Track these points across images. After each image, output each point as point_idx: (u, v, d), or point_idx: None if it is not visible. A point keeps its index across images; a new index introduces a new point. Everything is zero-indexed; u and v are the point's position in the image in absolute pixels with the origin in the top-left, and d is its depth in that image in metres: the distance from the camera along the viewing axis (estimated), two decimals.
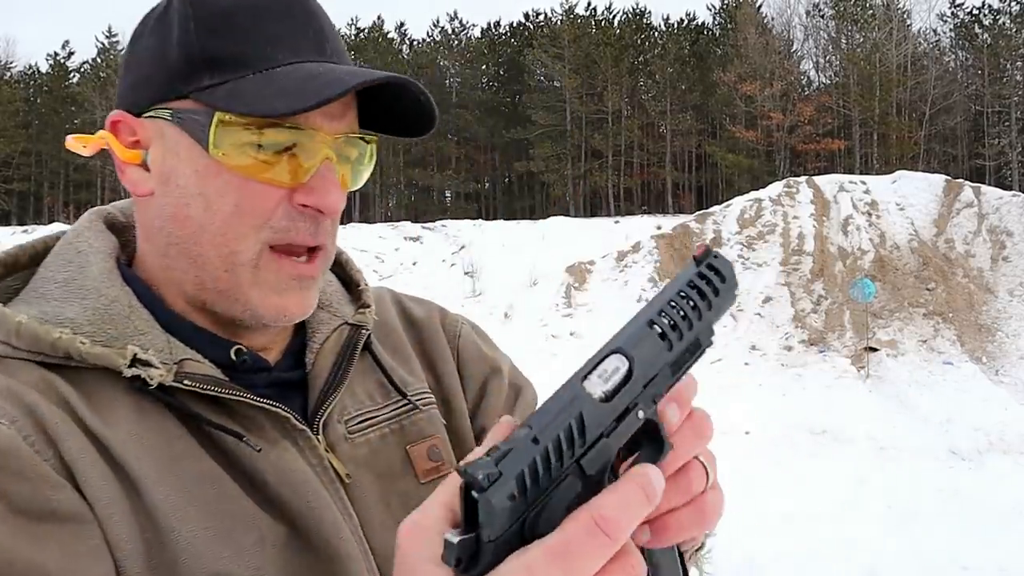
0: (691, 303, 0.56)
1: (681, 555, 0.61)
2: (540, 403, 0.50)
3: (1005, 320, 12.94)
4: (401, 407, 0.85)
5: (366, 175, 0.80)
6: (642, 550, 0.55)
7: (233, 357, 0.76)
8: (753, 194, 17.50)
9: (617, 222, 32.20)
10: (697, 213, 18.06)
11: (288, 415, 0.75)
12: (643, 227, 25.59)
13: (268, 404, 0.73)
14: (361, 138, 0.77)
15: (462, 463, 0.44)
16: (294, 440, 0.75)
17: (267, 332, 0.80)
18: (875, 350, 12.20)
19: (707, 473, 0.58)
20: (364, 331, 0.85)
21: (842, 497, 6.62)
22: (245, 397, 0.73)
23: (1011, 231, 14.70)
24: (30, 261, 0.79)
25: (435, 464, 0.85)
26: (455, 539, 0.44)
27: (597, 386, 0.50)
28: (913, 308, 13.42)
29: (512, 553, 0.44)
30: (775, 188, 17.35)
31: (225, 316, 0.75)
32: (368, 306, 0.88)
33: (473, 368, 0.96)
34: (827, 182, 17.25)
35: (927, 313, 13.25)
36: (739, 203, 17.09)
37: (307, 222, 0.73)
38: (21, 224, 41.57)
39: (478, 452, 0.48)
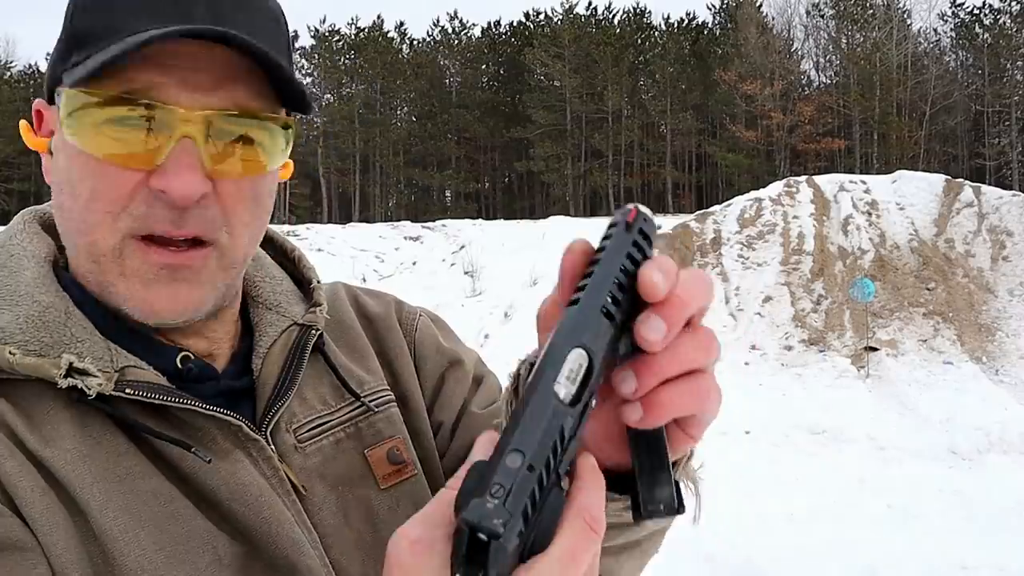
0: (628, 275, 0.54)
1: (671, 465, 0.58)
2: (504, 405, 0.49)
3: (1005, 320, 12.94)
4: (356, 409, 0.81)
5: (264, 159, 0.70)
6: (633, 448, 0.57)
7: (179, 365, 0.71)
8: (753, 194, 17.50)
9: None
10: (697, 213, 18.06)
11: (240, 423, 0.70)
12: None
13: (218, 412, 0.69)
14: (251, 116, 0.68)
15: (466, 513, 0.43)
16: (247, 451, 0.71)
17: (205, 335, 0.75)
18: (875, 350, 12.19)
19: (706, 354, 0.55)
20: (314, 331, 0.80)
21: (842, 497, 6.61)
22: (193, 405, 0.68)
23: (1011, 231, 14.70)
24: None
25: (396, 467, 0.80)
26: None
27: (565, 389, 0.49)
28: (913, 308, 13.42)
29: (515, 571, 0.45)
30: (775, 188, 17.35)
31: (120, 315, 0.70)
32: (319, 305, 0.83)
33: (430, 362, 0.91)
34: (827, 182, 17.25)
35: (927, 313, 13.25)
36: (739, 203, 17.10)
37: (166, 209, 0.65)
38: None
39: (461, 475, 0.47)
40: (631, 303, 0.54)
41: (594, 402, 0.52)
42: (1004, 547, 5.38)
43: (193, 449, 0.67)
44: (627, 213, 0.56)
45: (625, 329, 0.54)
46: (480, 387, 0.93)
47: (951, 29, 53.99)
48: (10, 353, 0.65)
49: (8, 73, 59.55)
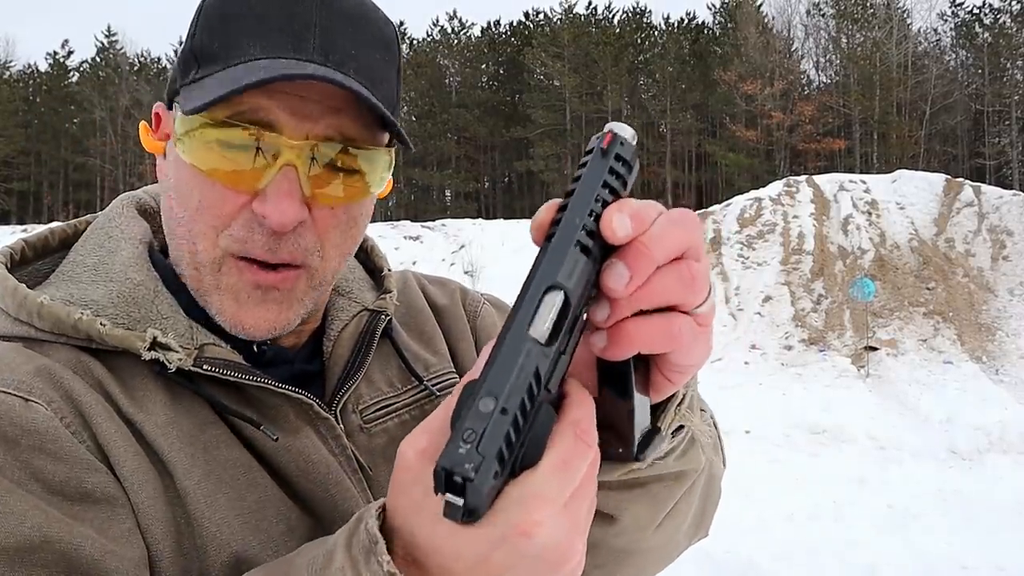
0: (603, 204, 0.52)
1: (634, 405, 0.57)
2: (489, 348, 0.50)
3: (1005, 319, 12.94)
4: (420, 392, 0.84)
5: (362, 187, 0.72)
6: (616, 388, 0.56)
7: (255, 349, 0.75)
8: (753, 193, 17.50)
9: None
10: (697, 212, 18.08)
11: (311, 401, 0.73)
12: None
13: (289, 390, 0.72)
14: (354, 146, 0.70)
15: (440, 459, 0.45)
16: (317, 429, 0.74)
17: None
18: (875, 349, 12.19)
19: (686, 291, 0.53)
20: (384, 317, 0.84)
21: (842, 497, 6.61)
22: (266, 383, 0.71)
23: (1011, 230, 14.69)
24: (60, 245, 0.80)
25: None
26: (448, 501, 0.46)
27: (538, 329, 0.49)
28: (913, 307, 13.42)
29: (507, 485, 0.48)
30: (775, 187, 17.35)
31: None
32: (389, 291, 0.87)
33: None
34: (827, 181, 17.25)
35: (927, 312, 13.25)
36: (739, 202, 17.09)
37: (264, 235, 0.68)
38: (21, 223, 41.54)
39: (458, 390, 0.49)
40: None
41: (578, 336, 0.52)
42: (1004, 547, 5.38)
43: (262, 427, 0.70)
44: (602, 138, 0.54)
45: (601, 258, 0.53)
46: None
47: (951, 29, 53.97)
48: (100, 324, 0.68)
49: (8, 73, 59.50)
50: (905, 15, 51.47)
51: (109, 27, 67.72)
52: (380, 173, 0.73)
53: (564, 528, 0.49)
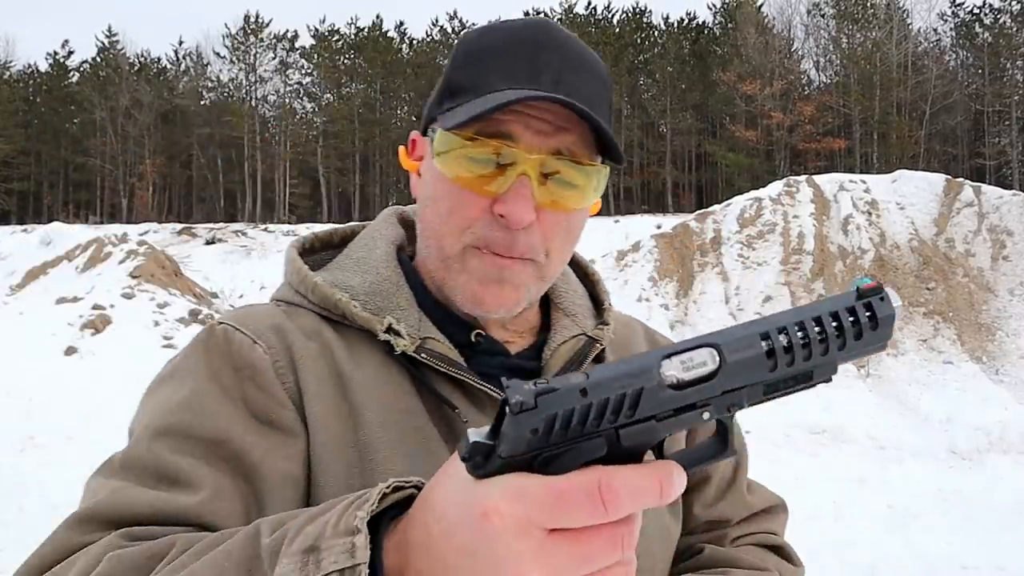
0: (823, 335, 0.51)
1: None
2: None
3: (1005, 319, 12.93)
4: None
5: (580, 197, 0.85)
6: None
7: (472, 339, 0.90)
8: (753, 193, 17.48)
9: (617, 221, 32.19)
10: (697, 212, 18.04)
11: (502, 397, 0.80)
12: (643, 226, 25.58)
13: (486, 387, 0.84)
14: (575, 161, 0.83)
15: (510, 380, 0.48)
16: None
17: (505, 325, 0.93)
18: None
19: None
20: (598, 345, 0.95)
21: (842, 497, 6.61)
22: (469, 379, 0.84)
23: (1011, 230, 14.68)
24: (341, 242, 1.01)
25: None
26: (473, 439, 0.48)
27: (674, 370, 0.49)
28: (913, 307, 13.41)
29: (516, 473, 0.48)
30: (775, 187, 17.33)
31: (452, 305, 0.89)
32: (607, 324, 0.99)
33: None
34: (827, 181, 17.23)
35: (927, 312, 13.25)
36: (739, 202, 17.08)
37: (502, 232, 0.82)
38: (21, 223, 41.52)
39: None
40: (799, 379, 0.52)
41: (706, 416, 0.51)
42: (1004, 547, 5.38)
43: (456, 410, 0.84)
44: (868, 284, 0.54)
45: (793, 385, 0.52)
46: (744, 462, 1.10)
47: (951, 29, 53.96)
48: (354, 306, 0.87)
49: (8, 73, 59.47)
50: (905, 15, 51.46)
51: (109, 27, 67.67)
52: (595, 187, 0.86)
53: (516, 546, 0.47)
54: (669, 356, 0.49)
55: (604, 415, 0.48)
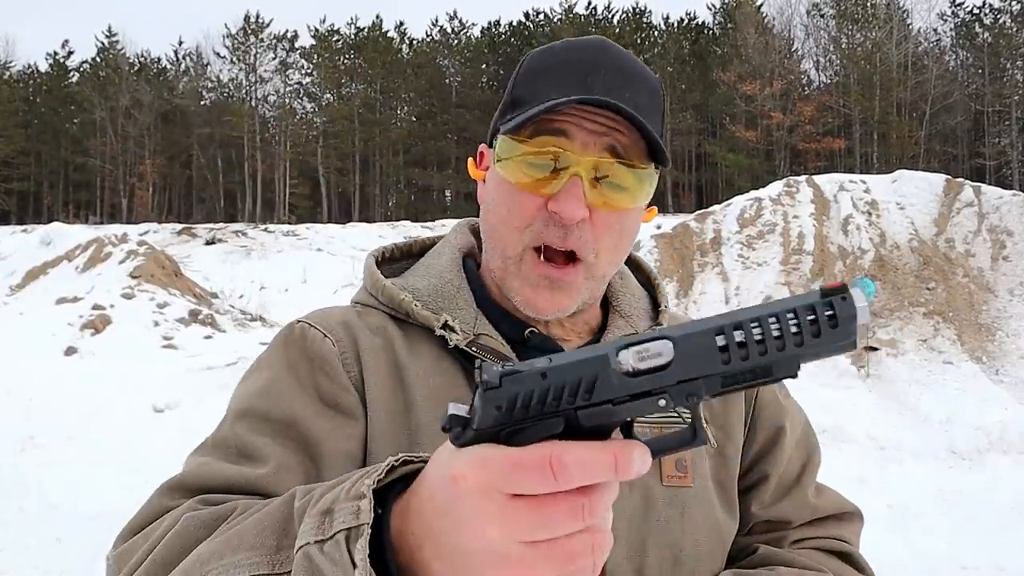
0: (778, 330, 0.53)
1: None
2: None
3: (1005, 320, 12.93)
4: (667, 415, 0.93)
5: (629, 198, 0.91)
6: None
7: (525, 335, 0.97)
8: (753, 193, 17.48)
9: None
10: (697, 212, 18.05)
11: None
12: (643, 226, 25.53)
13: None
14: (625, 163, 0.89)
15: (485, 363, 0.55)
16: None
17: (563, 323, 0.99)
18: (875, 349, 12.19)
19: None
20: None
21: None
22: None
23: (1011, 230, 14.68)
24: (420, 251, 1.11)
25: (679, 475, 0.97)
26: (451, 411, 0.55)
27: (630, 359, 0.53)
28: (913, 307, 13.42)
29: (484, 444, 0.54)
30: (775, 187, 17.33)
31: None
32: (660, 324, 1.04)
33: (767, 412, 1.11)
34: (827, 181, 17.22)
35: (927, 312, 13.25)
36: (739, 202, 17.07)
37: (556, 227, 0.89)
38: (21, 223, 41.51)
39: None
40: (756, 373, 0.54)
41: (662, 403, 0.54)
42: (1004, 547, 5.38)
43: None
44: (832, 282, 0.55)
45: (752, 378, 0.54)
46: (811, 465, 1.11)
47: (951, 29, 53.96)
48: (415, 305, 0.97)
49: (8, 73, 59.47)
50: (905, 15, 51.46)
51: (109, 27, 67.66)
52: (645, 190, 0.92)
53: (479, 507, 0.53)
54: (627, 347, 0.53)
55: (562, 397, 0.53)
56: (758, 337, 0.53)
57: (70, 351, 12.07)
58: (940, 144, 50.14)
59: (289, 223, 43.42)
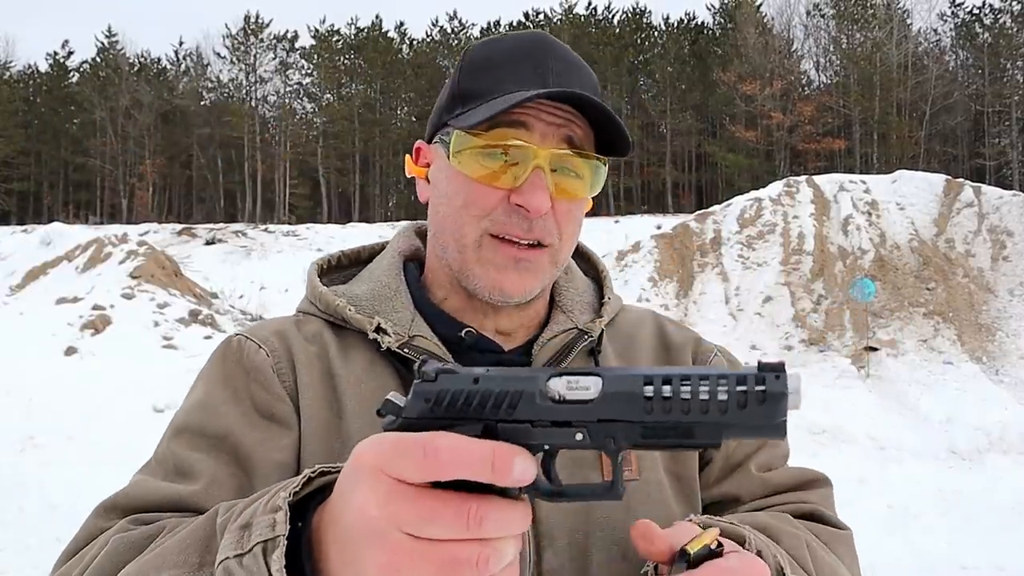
0: (706, 393, 0.53)
1: None
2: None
3: (1005, 320, 12.93)
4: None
5: (585, 187, 0.93)
6: None
7: (462, 336, 0.96)
8: (753, 193, 17.48)
9: (617, 221, 32.19)
10: (697, 213, 18.04)
11: None
12: (643, 227, 25.57)
13: None
14: (578, 154, 0.90)
15: (427, 359, 0.57)
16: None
17: (510, 317, 0.99)
18: (875, 350, 12.19)
19: None
20: (587, 337, 1.00)
21: (842, 497, 6.58)
22: None
23: (1011, 231, 14.68)
24: (369, 257, 1.11)
25: (623, 468, 0.93)
26: (391, 397, 0.57)
27: (559, 387, 0.55)
28: (913, 308, 13.41)
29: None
30: (775, 188, 17.33)
31: (472, 294, 0.95)
32: (601, 317, 1.03)
33: None
34: (827, 182, 17.22)
35: (927, 313, 13.24)
36: (739, 203, 17.07)
37: (520, 219, 0.89)
38: (21, 224, 41.51)
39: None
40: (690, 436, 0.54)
41: (579, 437, 0.55)
42: (1004, 547, 5.38)
43: None
44: (774, 362, 0.54)
45: (673, 437, 0.54)
46: (765, 447, 1.07)
47: (951, 29, 53.96)
48: (348, 310, 0.96)
49: (8, 73, 59.46)
50: (905, 15, 51.47)
51: (109, 27, 67.69)
52: (598, 180, 0.94)
53: (366, 488, 0.54)
54: (560, 375, 0.55)
55: (487, 405, 0.54)
56: (685, 395, 0.53)
57: (70, 351, 12.07)
58: (940, 144, 50.13)
59: (289, 223, 43.43)
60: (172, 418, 0.95)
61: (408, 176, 1.03)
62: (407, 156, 1.03)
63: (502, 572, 0.54)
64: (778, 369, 0.53)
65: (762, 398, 0.52)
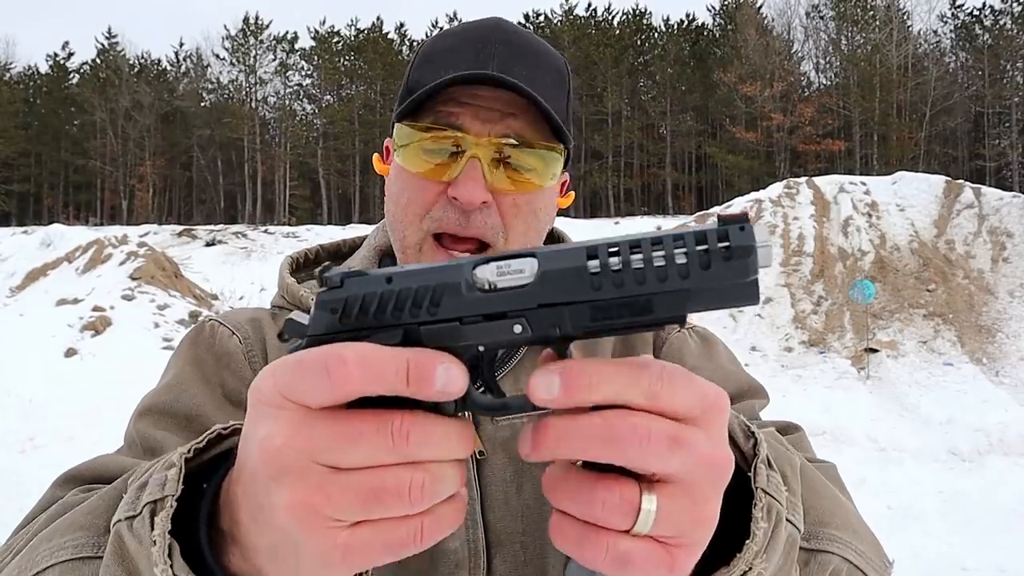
0: (661, 258, 0.45)
1: None
2: None
3: (1005, 321, 12.92)
4: None
5: (535, 178, 0.87)
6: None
7: None
8: (753, 195, 17.49)
9: (617, 223, 32.23)
10: (697, 214, 18.05)
11: None
12: (643, 228, 25.56)
13: None
14: (525, 145, 0.85)
15: (328, 264, 0.50)
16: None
17: None
18: (875, 351, 12.19)
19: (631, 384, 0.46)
20: None
21: None
22: None
23: (1011, 232, 14.68)
24: (349, 251, 1.12)
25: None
26: (291, 316, 0.49)
27: (488, 274, 0.46)
28: (913, 309, 13.41)
29: None
30: (775, 189, 17.34)
31: None
32: None
33: (676, 360, 1.00)
34: (827, 183, 17.23)
35: (927, 314, 13.24)
36: (739, 204, 17.07)
37: (456, 213, 0.85)
38: (21, 225, 41.51)
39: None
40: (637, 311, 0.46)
41: (518, 328, 0.46)
42: (1004, 548, 5.38)
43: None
44: (736, 215, 0.46)
45: (629, 315, 0.46)
46: (737, 404, 0.97)
47: (951, 30, 53.97)
48: (311, 299, 0.95)
49: (8, 74, 59.49)
50: (905, 17, 51.48)
51: (109, 28, 67.72)
52: (551, 170, 0.88)
53: (268, 418, 0.45)
54: (488, 261, 0.47)
55: (405, 307, 0.46)
56: (637, 264, 0.45)
57: (70, 352, 12.07)
58: (940, 146, 50.13)
59: (289, 224, 43.43)
60: (140, 400, 0.93)
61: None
62: (376, 155, 1.00)
63: (444, 507, 0.46)
64: (742, 220, 0.45)
65: (727, 255, 0.45)
